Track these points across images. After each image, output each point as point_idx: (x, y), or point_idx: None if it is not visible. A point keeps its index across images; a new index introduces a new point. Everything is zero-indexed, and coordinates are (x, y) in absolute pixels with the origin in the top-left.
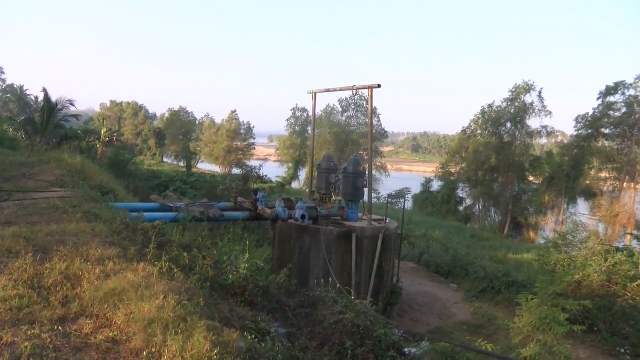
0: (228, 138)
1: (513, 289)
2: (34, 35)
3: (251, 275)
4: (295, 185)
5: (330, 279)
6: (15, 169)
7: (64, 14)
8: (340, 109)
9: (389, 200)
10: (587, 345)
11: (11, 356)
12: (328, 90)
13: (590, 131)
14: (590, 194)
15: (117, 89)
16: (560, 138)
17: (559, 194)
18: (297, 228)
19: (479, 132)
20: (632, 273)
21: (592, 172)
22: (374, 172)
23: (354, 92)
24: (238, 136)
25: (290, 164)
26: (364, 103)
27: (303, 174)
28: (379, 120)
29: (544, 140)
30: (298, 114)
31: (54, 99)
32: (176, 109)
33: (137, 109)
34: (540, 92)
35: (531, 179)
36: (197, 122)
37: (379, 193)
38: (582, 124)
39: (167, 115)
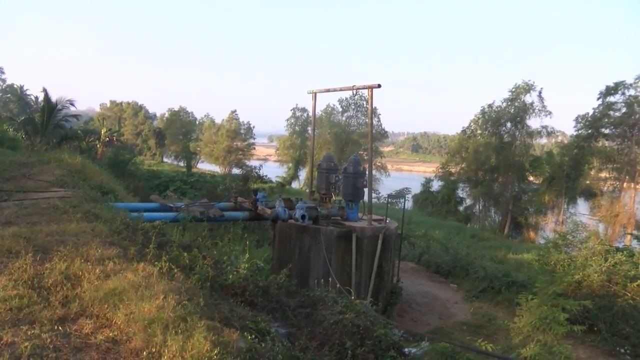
0: (228, 138)
1: (513, 289)
2: (34, 35)
3: (251, 275)
4: (295, 185)
5: (330, 279)
6: (15, 169)
7: (64, 14)
8: (340, 109)
9: (389, 200)
10: (587, 345)
11: (11, 356)
12: (328, 90)
13: (590, 131)
14: (590, 194)
15: (117, 89)
16: (560, 138)
17: (559, 194)
18: (297, 228)
19: (479, 132)
20: (632, 273)
21: (592, 172)
22: (374, 172)
23: (354, 92)
24: (238, 136)
25: (290, 164)
26: (364, 103)
27: (303, 174)
28: (379, 120)
29: (544, 140)
30: (298, 114)
31: (54, 99)
32: (176, 108)
33: (137, 109)
34: (540, 92)
35: (531, 179)
36: (197, 122)
37: (379, 193)
38: (582, 124)
39: (167, 115)
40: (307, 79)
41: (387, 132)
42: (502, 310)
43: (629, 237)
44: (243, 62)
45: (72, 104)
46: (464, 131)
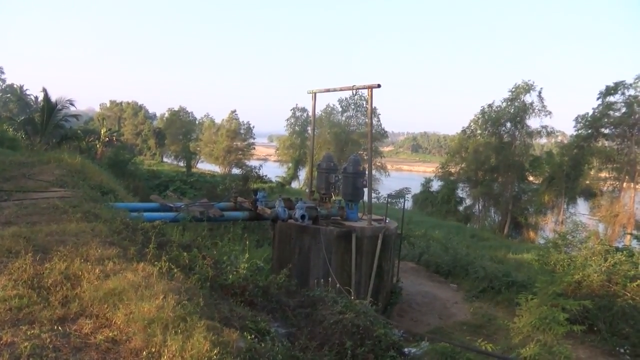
0: (228, 138)
1: (513, 289)
2: (34, 35)
3: (251, 275)
4: (295, 185)
5: (330, 279)
6: (15, 169)
7: (64, 14)
8: (340, 109)
9: (389, 200)
10: (587, 345)
11: (11, 356)
12: (328, 90)
13: (590, 131)
14: (590, 194)
15: (117, 89)
16: (560, 138)
17: (558, 194)
18: (297, 228)
19: (478, 132)
20: (631, 273)
21: (592, 172)
22: (373, 172)
23: (354, 92)
24: (238, 136)
25: (290, 164)
26: (364, 103)
27: (303, 173)
28: (379, 120)
29: (543, 140)
30: (298, 113)
31: (53, 99)
32: (176, 108)
33: (137, 109)
34: (540, 92)
35: (531, 178)
36: (196, 122)
37: (379, 193)
38: (581, 124)
39: (166, 115)
40: (307, 79)
41: (387, 132)
42: (502, 310)
43: (628, 237)
44: (243, 62)
45: (72, 104)
46: (463, 131)
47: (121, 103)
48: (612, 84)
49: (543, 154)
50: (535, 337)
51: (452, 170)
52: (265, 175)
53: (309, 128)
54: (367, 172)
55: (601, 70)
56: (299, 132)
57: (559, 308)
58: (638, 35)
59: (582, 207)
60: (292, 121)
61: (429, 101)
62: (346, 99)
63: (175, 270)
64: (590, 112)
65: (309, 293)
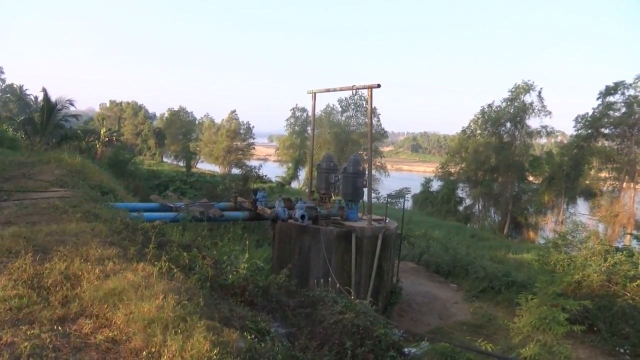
0: (228, 138)
1: (513, 289)
2: (34, 35)
3: (251, 275)
4: (295, 185)
5: (330, 279)
6: (15, 169)
7: (64, 14)
8: (340, 109)
9: (389, 200)
10: (587, 345)
11: (11, 356)
12: (328, 90)
13: (589, 131)
14: (590, 194)
15: (117, 89)
16: (560, 138)
17: (558, 194)
18: (296, 228)
19: (478, 132)
20: (631, 273)
21: (592, 172)
22: (373, 172)
23: (354, 92)
24: (238, 136)
25: (290, 164)
26: (364, 103)
27: (303, 173)
28: (379, 120)
29: (543, 140)
30: (298, 113)
31: (53, 98)
32: (176, 108)
33: (137, 109)
34: (539, 92)
35: (531, 178)
36: (196, 122)
37: (379, 193)
38: (581, 124)
39: (166, 115)
40: (307, 79)
41: (386, 132)
42: (502, 310)
43: (628, 237)
44: (243, 62)
45: (72, 104)
46: (463, 131)
47: (121, 103)
48: (612, 84)
49: (543, 154)
50: (535, 337)
51: (452, 170)
52: (265, 175)
53: (308, 128)
54: (367, 172)
55: (601, 70)
56: (299, 132)
57: (559, 308)
58: (638, 35)
59: (582, 207)
60: (292, 121)
61: (429, 101)
62: (346, 99)
63: (175, 270)
64: (590, 112)
65: (309, 293)
